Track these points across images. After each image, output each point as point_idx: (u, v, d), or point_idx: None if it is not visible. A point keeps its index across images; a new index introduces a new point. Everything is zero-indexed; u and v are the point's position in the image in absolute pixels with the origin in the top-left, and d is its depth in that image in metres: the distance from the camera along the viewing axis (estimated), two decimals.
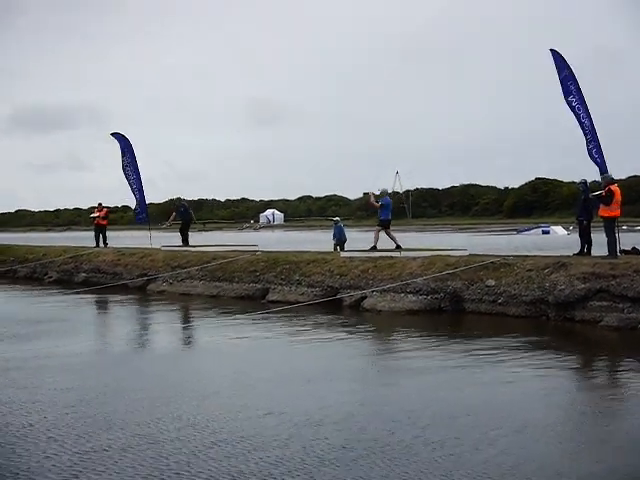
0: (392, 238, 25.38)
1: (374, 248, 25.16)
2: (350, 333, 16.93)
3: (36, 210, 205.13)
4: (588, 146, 21.95)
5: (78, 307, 23.11)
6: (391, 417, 9.39)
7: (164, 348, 15.58)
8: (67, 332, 17.25)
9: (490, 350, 14.31)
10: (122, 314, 21.94)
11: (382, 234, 25.33)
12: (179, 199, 34.39)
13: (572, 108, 22.17)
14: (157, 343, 16.65)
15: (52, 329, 17.69)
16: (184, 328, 18.70)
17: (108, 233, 36.02)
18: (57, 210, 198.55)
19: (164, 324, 19.40)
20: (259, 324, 18.38)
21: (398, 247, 25.10)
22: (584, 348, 15.33)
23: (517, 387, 11.16)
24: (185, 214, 32.73)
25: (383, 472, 7.40)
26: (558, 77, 22.49)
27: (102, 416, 9.59)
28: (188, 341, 16.62)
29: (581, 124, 22.04)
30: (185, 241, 32.20)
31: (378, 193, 26.29)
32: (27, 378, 12.04)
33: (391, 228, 25.65)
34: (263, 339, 16.08)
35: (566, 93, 22.28)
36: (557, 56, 22.61)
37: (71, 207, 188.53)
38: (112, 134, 35.95)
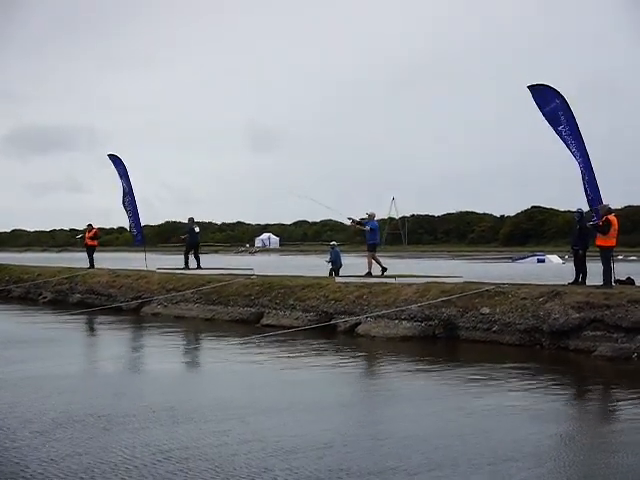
0: (377, 262, 25.58)
1: (369, 274, 25.21)
2: (343, 359, 16.90)
3: (32, 230, 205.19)
4: (583, 177, 21.87)
5: (71, 329, 23.07)
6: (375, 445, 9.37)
7: (152, 371, 15.54)
8: (58, 354, 17.21)
9: (482, 378, 14.32)
10: (115, 337, 21.86)
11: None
12: (191, 219, 33.46)
13: (563, 139, 22.07)
14: (147, 366, 16.58)
15: (45, 350, 17.66)
16: (174, 351, 18.57)
17: (103, 254, 35.97)
18: (53, 230, 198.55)
19: (156, 347, 19.29)
20: (252, 349, 18.34)
21: (384, 270, 25.34)
22: (577, 377, 15.31)
23: (509, 415, 11.12)
24: (193, 235, 31.94)
25: None
26: (541, 112, 22.36)
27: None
28: (175, 364, 16.47)
29: (573, 154, 21.95)
30: (197, 261, 31.40)
31: (366, 216, 26.40)
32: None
33: (378, 252, 26.00)
34: (255, 364, 16.03)
35: (555, 124, 22.13)
36: (540, 91, 22.46)
37: (67, 228, 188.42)
38: (109, 155, 36.04)
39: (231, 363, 16.02)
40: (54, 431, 9.91)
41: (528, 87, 22.65)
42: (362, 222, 26.10)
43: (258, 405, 11.70)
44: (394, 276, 24.69)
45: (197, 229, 31.89)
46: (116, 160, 35.57)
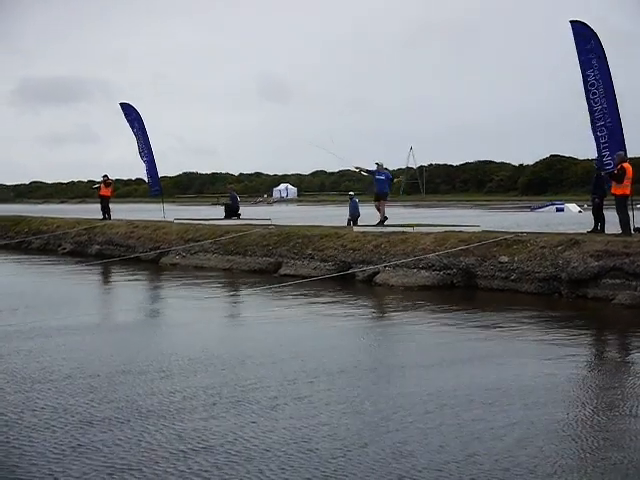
0: (380, 210, 26.21)
1: (384, 220, 25.57)
2: (362, 308, 16.97)
3: (50, 182, 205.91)
4: (595, 124, 21.52)
5: (95, 280, 23.27)
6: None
7: (172, 322, 15.63)
8: (81, 304, 17.39)
9: (502, 326, 14.35)
10: (137, 286, 22.02)
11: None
12: (232, 187, 36.65)
13: (585, 82, 21.65)
14: (168, 316, 16.65)
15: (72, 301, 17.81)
16: (196, 301, 18.64)
17: (121, 206, 36.15)
18: (71, 182, 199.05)
19: (177, 298, 19.42)
20: (273, 298, 18.43)
21: (382, 222, 25.73)
22: (597, 325, 15.30)
23: (527, 366, 11.14)
24: (235, 202, 33.18)
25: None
26: (576, 49, 21.86)
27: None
28: (192, 315, 16.54)
29: (591, 101, 21.59)
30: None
31: (376, 167, 26.64)
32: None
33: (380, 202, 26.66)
34: (283, 313, 16.14)
35: (586, 66, 21.68)
36: (579, 27, 21.92)
37: (85, 179, 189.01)
38: (120, 104, 36.01)
39: (259, 314, 16.13)
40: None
41: (570, 21, 21.97)
42: (371, 171, 26.47)
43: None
44: (412, 225, 24.67)
45: (238, 197, 34.12)
46: (128, 108, 35.54)
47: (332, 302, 17.72)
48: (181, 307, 17.30)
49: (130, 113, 35.37)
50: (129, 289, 21.28)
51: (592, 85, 21.51)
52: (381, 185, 26.35)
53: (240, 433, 7.77)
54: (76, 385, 9.72)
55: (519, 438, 7.62)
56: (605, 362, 11.89)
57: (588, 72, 21.55)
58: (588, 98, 21.55)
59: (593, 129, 21.59)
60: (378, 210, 26.32)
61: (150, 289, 21.88)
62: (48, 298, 18.07)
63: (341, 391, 9.45)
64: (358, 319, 15.46)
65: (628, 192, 20.59)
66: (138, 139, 34.98)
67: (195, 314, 16.09)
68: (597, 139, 21.57)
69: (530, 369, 10.65)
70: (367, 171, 26.56)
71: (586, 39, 21.69)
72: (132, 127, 35.13)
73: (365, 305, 17.54)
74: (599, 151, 21.59)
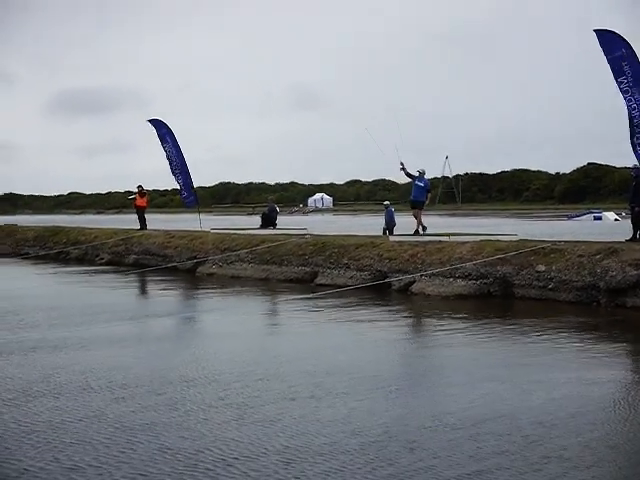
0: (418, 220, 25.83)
1: (423, 229, 25.34)
2: (400, 318, 16.95)
3: (88, 193, 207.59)
4: (634, 136, 21.36)
5: (132, 290, 23.45)
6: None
7: (212, 332, 15.69)
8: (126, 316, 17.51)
9: (541, 336, 14.22)
10: (175, 296, 22.16)
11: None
12: (272, 199, 37.43)
13: (621, 90, 21.50)
14: (208, 326, 16.74)
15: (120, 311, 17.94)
16: (233, 311, 18.69)
17: (158, 216, 36.38)
18: (108, 193, 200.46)
19: (215, 308, 19.50)
20: (311, 308, 18.45)
21: (417, 232, 25.30)
22: (636, 335, 15.14)
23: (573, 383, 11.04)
24: (273, 213, 33.44)
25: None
26: (605, 58, 21.68)
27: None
28: (231, 326, 16.59)
29: (629, 108, 21.42)
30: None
31: (417, 174, 26.20)
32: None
33: (415, 210, 26.19)
34: (322, 322, 16.15)
35: (617, 74, 21.52)
36: (606, 36, 21.76)
37: (121, 190, 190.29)
38: (149, 121, 36.06)
39: (297, 323, 16.18)
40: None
41: (594, 31, 21.81)
42: (412, 175, 25.99)
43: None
44: (448, 234, 24.59)
45: (277, 209, 34.76)
46: (158, 123, 35.58)
47: (369, 312, 17.65)
48: (219, 318, 17.37)
49: (160, 128, 35.36)
50: (168, 299, 21.40)
51: (626, 92, 21.32)
52: (419, 192, 25.86)
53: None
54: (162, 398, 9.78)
55: None
56: None
57: (621, 79, 21.34)
58: (627, 106, 21.36)
59: (631, 135, 21.40)
60: (415, 218, 25.96)
61: (188, 299, 21.94)
62: (87, 308, 18.14)
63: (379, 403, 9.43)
64: (397, 329, 15.45)
65: None
66: (170, 153, 35.03)
67: (234, 325, 16.11)
68: (635, 146, 21.39)
69: (575, 385, 10.54)
70: (409, 174, 26.15)
71: (614, 46, 21.50)
72: (164, 142, 35.14)
73: (403, 315, 17.50)
74: (638, 157, 21.40)
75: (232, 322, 16.41)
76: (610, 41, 21.58)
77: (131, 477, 6.85)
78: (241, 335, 14.67)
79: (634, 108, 21.26)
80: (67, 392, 9.89)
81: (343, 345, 13.38)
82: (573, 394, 9.72)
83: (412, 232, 25.68)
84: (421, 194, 25.90)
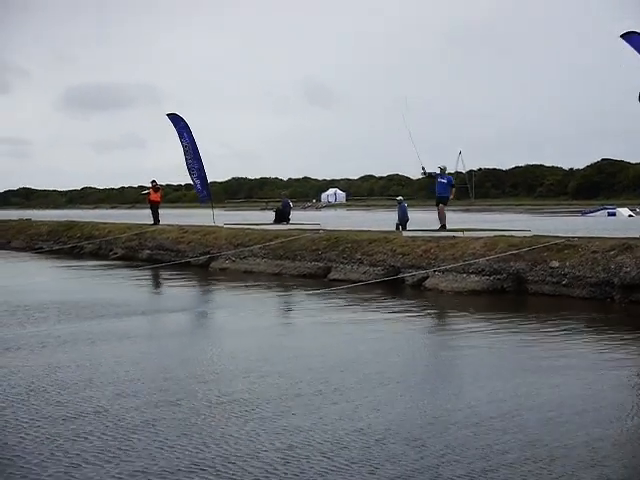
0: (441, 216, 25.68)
1: (443, 227, 25.20)
2: (414, 313, 16.94)
3: (102, 187, 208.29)
4: None
5: (146, 285, 23.53)
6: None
7: (227, 328, 15.71)
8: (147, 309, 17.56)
9: (553, 332, 14.20)
10: (189, 292, 22.22)
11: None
12: (285, 194, 38.46)
13: None
14: (223, 322, 16.74)
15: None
16: (247, 307, 18.71)
17: (171, 211, 36.49)
18: (121, 188, 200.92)
19: (229, 305, 19.54)
20: (325, 303, 18.44)
21: (444, 227, 25.22)
22: None
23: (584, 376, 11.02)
24: (287, 208, 33.77)
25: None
26: None
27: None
28: (245, 321, 16.59)
29: None
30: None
31: (439, 170, 26.16)
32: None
33: (440, 206, 26.06)
34: (329, 317, 16.16)
35: None
36: (633, 39, 21.60)
37: (135, 185, 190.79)
38: (168, 115, 36.14)
39: (312, 320, 16.19)
40: None
41: (621, 36, 21.84)
42: (433, 174, 25.98)
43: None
44: (462, 230, 24.55)
45: (291, 204, 35.22)
46: (175, 119, 35.66)
47: (382, 308, 17.64)
48: (231, 313, 17.31)
49: (178, 123, 35.45)
50: (180, 294, 21.41)
51: None
52: (443, 188, 25.76)
53: None
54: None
55: None
56: None
57: None
58: None
59: None
60: (442, 214, 25.75)
61: (200, 294, 22.00)
62: (98, 303, 18.13)
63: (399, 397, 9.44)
64: (410, 325, 15.40)
65: None
66: (186, 148, 35.12)
67: (245, 321, 16.04)
68: None
69: (585, 382, 10.52)
70: (430, 174, 26.12)
71: None
72: (181, 137, 35.25)
73: (415, 311, 17.43)
74: None
75: (243, 318, 16.34)
76: (637, 41, 21.50)
77: (128, 474, 6.81)
78: (252, 331, 14.57)
79: None
80: (71, 387, 9.91)
81: (354, 341, 13.33)
82: (583, 391, 9.68)
83: (438, 227, 25.44)
84: (445, 190, 25.81)
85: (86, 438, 7.78)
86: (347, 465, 6.97)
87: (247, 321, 15.85)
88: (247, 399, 9.25)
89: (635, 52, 21.56)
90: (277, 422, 8.32)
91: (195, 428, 8.11)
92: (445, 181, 25.80)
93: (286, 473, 6.79)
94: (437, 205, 26.24)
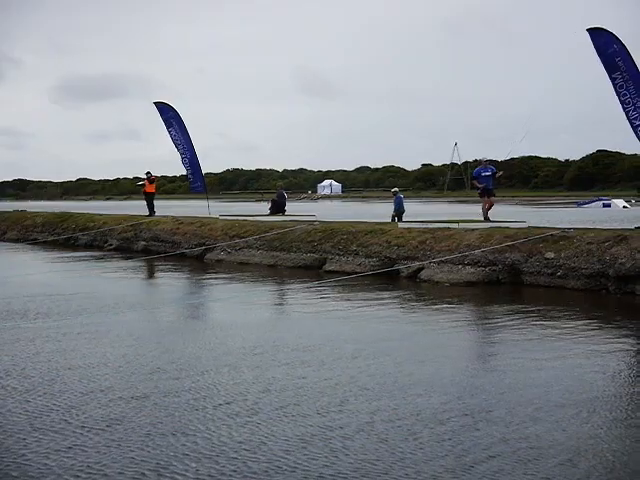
0: (485, 208, 25.57)
1: (487, 219, 24.95)
2: (409, 305, 16.95)
3: (97, 179, 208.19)
4: (633, 124, 21.59)
5: (141, 277, 23.51)
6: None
7: (222, 321, 15.68)
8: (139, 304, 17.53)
9: (548, 323, 14.23)
10: (184, 284, 22.22)
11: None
12: (280, 186, 37.56)
13: (615, 86, 21.72)
14: (217, 314, 16.71)
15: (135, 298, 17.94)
16: (246, 299, 18.68)
17: (166, 202, 36.42)
18: (117, 179, 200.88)
19: (224, 298, 19.53)
20: (320, 295, 18.43)
21: (488, 219, 25.05)
22: None
23: (574, 365, 11.04)
24: (282, 200, 33.63)
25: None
26: (599, 57, 21.97)
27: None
28: (241, 314, 16.55)
29: (622, 102, 21.63)
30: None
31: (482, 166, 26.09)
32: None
33: (490, 199, 25.81)
34: (326, 309, 16.14)
35: (612, 70, 21.72)
36: (599, 34, 22.08)
37: (131, 176, 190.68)
38: (155, 103, 35.95)
39: (307, 311, 16.17)
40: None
41: (587, 30, 22.25)
42: (477, 177, 25.86)
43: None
44: (457, 221, 24.56)
45: (286, 195, 34.90)
46: (164, 107, 35.45)
47: (377, 299, 17.60)
48: (225, 306, 17.26)
49: (166, 112, 35.19)
50: (175, 286, 21.47)
51: (621, 87, 21.59)
52: (488, 181, 25.54)
53: None
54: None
55: None
56: None
57: (615, 75, 21.63)
58: (620, 101, 21.63)
59: (633, 129, 21.63)
60: (489, 206, 25.51)
61: (195, 286, 21.90)
62: (91, 295, 18.06)
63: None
64: (404, 317, 15.43)
65: None
66: (176, 137, 35.01)
67: (239, 313, 15.98)
68: (639, 137, 21.65)
69: (579, 373, 10.55)
70: (476, 179, 25.95)
71: (607, 44, 21.81)
72: (169, 126, 35.06)
73: (410, 303, 17.41)
74: None
75: (238, 310, 16.29)
76: (603, 38, 21.95)
77: (117, 469, 6.79)
78: (246, 324, 14.48)
79: (628, 103, 21.54)
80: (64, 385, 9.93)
81: (348, 334, 13.25)
82: (576, 382, 9.70)
83: (483, 219, 25.33)
84: (489, 182, 25.66)
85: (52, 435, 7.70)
86: (326, 456, 7.02)
87: (241, 314, 15.76)
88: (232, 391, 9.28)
89: (594, 49, 22.01)
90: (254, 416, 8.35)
91: (179, 425, 8.15)
92: (489, 173, 25.58)
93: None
94: (487, 197, 25.71)
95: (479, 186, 25.56)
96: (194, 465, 6.80)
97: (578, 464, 6.78)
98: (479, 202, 27.43)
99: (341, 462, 6.83)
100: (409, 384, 9.58)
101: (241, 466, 6.77)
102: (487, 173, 25.56)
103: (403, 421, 8.01)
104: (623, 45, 21.72)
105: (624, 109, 21.64)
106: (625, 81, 21.47)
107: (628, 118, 21.65)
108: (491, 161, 27.44)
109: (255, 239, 26.62)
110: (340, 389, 9.31)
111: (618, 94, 21.64)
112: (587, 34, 22.22)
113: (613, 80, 21.67)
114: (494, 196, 25.78)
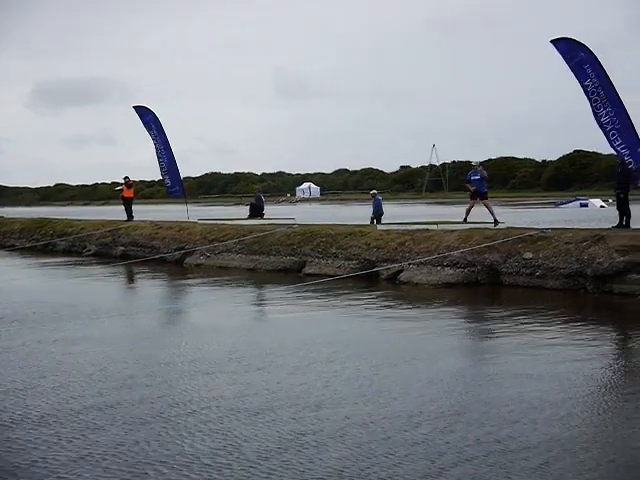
0: (489, 210, 25.28)
1: (496, 222, 24.67)
2: (387, 307, 16.90)
3: (75, 184, 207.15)
4: (605, 129, 21.62)
5: (120, 283, 23.35)
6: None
7: (203, 324, 15.59)
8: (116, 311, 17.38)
9: (527, 323, 14.21)
10: (163, 289, 22.08)
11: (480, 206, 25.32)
12: (258, 189, 38.40)
13: (587, 93, 21.75)
14: (193, 318, 16.63)
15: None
16: (226, 303, 18.58)
17: (145, 207, 36.26)
18: (95, 184, 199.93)
19: (204, 301, 19.42)
20: (299, 298, 18.36)
21: (497, 221, 24.78)
22: (622, 322, 15.12)
23: (553, 364, 11.02)
24: (260, 203, 33.49)
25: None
26: (568, 66, 22.01)
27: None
28: (221, 318, 16.46)
29: (593, 108, 21.69)
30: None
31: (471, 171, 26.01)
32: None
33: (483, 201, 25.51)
34: (303, 312, 16.08)
35: (582, 78, 21.76)
36: (563, 43, 22.10)
37: (109, 181, 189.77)
38: (135, 107, 35.80)
39: (287, 315, 16.10)
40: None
41: (551, 41, 22.28)
42: (469, 179, 25.75)
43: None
44: (436, 222, 24.53)
45: (264, 199, 35.12)
46: (143, 110, 35.30)
47: (357, 302, 17.57)
48: (205, 310, 17.15)
49: (145, 115, 35.08)
50: (154, 292, 21.36)
51: (592, 93, 21.62)
52: (479, 184, 25.40)
53: None
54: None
55: None
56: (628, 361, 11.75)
57: (586, 83, 21.69)
58: (592, 107, 21.69)
59: (605, 135, 21.66)
60: (488, 208, 25.32)
61: (175, 292, 21.80)
62: (69, 302, 17.93)
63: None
64: (383, 319, 15.37)
65: None
66: (156, 141, 34.87)
67: (219, 317, 15.83)
68: (611, 143, 21.69)
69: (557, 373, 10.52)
70: (469, 182, 25.83)
71: (573, 52, 21.83)
72: (149, 129, 34.95)
73: (389, 305, 17.39)
74: (618, 153, 21.74)
75: (215, 315, 16.16)
76: (568, 47, 21.98)
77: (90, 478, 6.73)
78: (222, 328, 14.35)
79: (599, 108, 21.59)
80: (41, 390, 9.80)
81: (324, 337, 13.17)
82: (552, 383, 9.67)
83: (492, 222, 24.96)
84: (481, 185, 25.43)
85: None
86: (310, 460, 6.93)
87: (221, 318, 15.63)
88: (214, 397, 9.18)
89: (561, 58, 22.09)
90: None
91: (165, 428, 8.05)
92: (479, 177, 25.49)
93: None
94: (482, 200, 25.39)
95: (470, 189, 25.56)
96: (167, 472, 6.72)
97: (552, 466, 6.74)
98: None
99: (316, 468, 6.78)
100: (384, 388, 9.54)
101: (215, 474, 6.70)
102: (476, 177, 25.50)
103: (377, 425, 7.97)
104: (591, 52, 21.74)
105: (595, 114, 21.66)
106: (595, 87, 21.51)
107: (600, 123, 21.66)
108: (467, 162, 27.47)
109: (234, 243, 26.50)
110: (315, 393, 9.26)
111: (590, 100, 21.68)
112: (551, 45, 22.21)
113: (585, 88, 21.70)
114: (486, 198, 25.66)
